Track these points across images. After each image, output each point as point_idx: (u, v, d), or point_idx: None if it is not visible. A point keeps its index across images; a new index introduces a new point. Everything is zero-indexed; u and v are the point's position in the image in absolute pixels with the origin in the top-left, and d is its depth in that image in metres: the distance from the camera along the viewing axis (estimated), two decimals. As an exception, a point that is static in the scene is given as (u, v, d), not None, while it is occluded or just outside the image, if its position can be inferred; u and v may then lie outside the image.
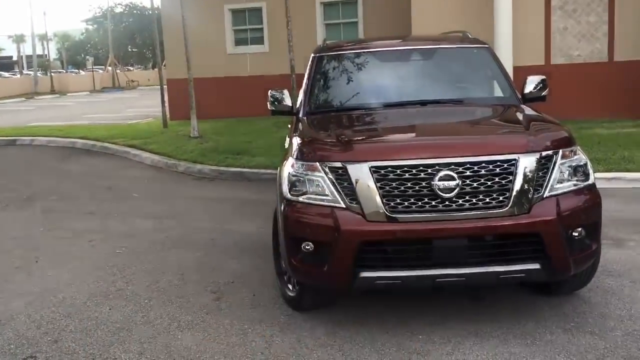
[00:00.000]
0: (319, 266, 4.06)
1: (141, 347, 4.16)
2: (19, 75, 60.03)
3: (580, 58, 13.45)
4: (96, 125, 17.49)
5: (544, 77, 5.38)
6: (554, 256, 3.92)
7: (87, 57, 67.01)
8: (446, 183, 3.89)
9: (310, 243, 4.08)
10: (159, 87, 16.77)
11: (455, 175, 3.90)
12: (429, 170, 3.92)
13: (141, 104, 27.83)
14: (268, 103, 5.49)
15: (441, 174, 3.90)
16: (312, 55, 5.85)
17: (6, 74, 62.26)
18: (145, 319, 4.63)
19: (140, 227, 7.28)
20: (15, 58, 75.80)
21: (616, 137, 10.48)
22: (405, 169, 3.94)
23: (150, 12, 18.06)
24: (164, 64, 18.62)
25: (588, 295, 4.65)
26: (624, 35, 13.01)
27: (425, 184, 3.92)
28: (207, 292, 5.12)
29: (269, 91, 5.51)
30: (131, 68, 69.33)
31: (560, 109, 11.41)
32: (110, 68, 52.17)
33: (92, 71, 52.23)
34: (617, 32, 13.09)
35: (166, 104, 16.51)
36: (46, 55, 61.98)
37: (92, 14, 77.48)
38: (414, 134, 4.67)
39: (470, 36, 6.09)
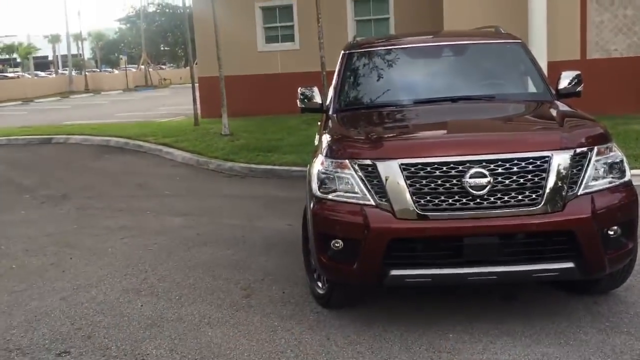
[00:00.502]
0: (349, 264, 4.04)
1: (172, 344, 4.19)
2: (54, 75, 61.09)
3: (617, 52, 13.18)
4: (129, 124, 17.70)
5: (578, 72, 5.27)
6: (589, 255, 3.85)
7: (121, 56, 67.95)
8: (477, 180, 3.84)
9: (339, 240, 4.07)
10: (190, 85, 16.91)
11: (487, 173, 3.85)
12: (460, 168, 3.88)
13: (173, 102, 28.09)
14: (298, 100, 5.48)
15: (472, 171, 3.85)
16: (342, 52, 5.82)
17: (42, 74, 63.54)
18: (176, 315, 4.67)
19: (172, 224, 7.35)
20: (50, 58, 77.15)
21: (653, 133, 10.25)
22: (436, 166, 3.90)
23: (182, 10, 18.19)
24: (195, 62, 18.75)
25: (624, 294, 4.55)
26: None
27: (456, 181, 3.87)
28: (238, 289, 5.14)
29: (299, 88, 5.50)
30: (163, 66, 70.10)
31: (597, 104, 11.20)
32: (142, 67, 52.78)
33: (125, 70, 52.88)
34: (655, 25, 12.82)
35: (197, 102, 16.63)
36: (80, 54, 62.92)
37: (126, 13, 78.68)
38: (444, 131, 4.62)
39: (502, 31, 6.00)
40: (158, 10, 56.85)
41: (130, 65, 58.72)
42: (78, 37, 59.88)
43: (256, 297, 4.95)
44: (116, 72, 60.81)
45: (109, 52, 74.15)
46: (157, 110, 23.92)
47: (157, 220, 7.62)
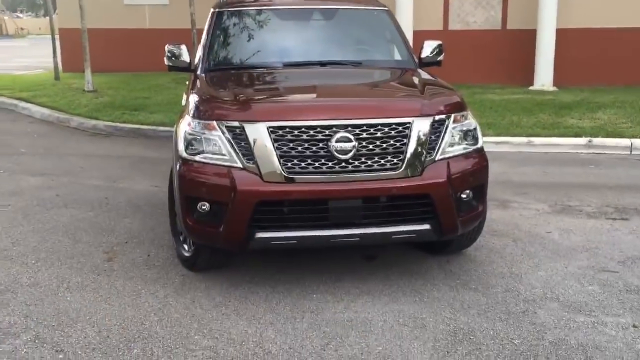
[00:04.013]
0: (215, 226, 4.03)
1: (27, 310, 4.00)
2: None
3: (475, 25, 13.87)
4: (-20, 75, 16.40)
5: (440, 42, 5.51)
6: (443, 217, 4.08)
7: (-29, 0, 62.28)
8: (343, 145, 3.94)
9: (206, 203, 4.05)
10: (50, 36, 15.86)
11: (352, 137, 3.95)
12: (327, 132, 3.95)
13: (31, 54, 26.30)
14: (165, 58, 5.32)
15: (338, 135, 3.94)
16: (212, 10, 5.70)
17: None
18: (32, 280, 4.45)
19: (28, 185, 6.94)
20: None
21: (506, 103, 10.95)
22: (303, 129, 3.95)
23: (40, -45, 16.94)
24: (56, 12, 17.60)
25: (474, 254, 4.89)
26: (516, 4, 13.51)
27: (323, 145, 3.95)
28: (99, 252, 4.98)
29: (167, 46, 5.34)
30: (21, 15, 65.14)
31: (456, 73, 11.79)
32: (-4, 14, 48.83)
33: (-24, 16, 48.71)
34: (511, 1, 13.57)
35: (58, 55, 15.66)
36: None
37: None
38: (312, 95, 4.67)
39: (371, -2, 6.12)
40: (14, -47, 52.56)
41: (-19, 12, 54.09)
42: None
43: (119, 260, 4.82)
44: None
45: (-43, -4, 67.76)
46: (13, 62, 22.28)
47: (12, 180, 7.17)
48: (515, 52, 13.48)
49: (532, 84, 12.93)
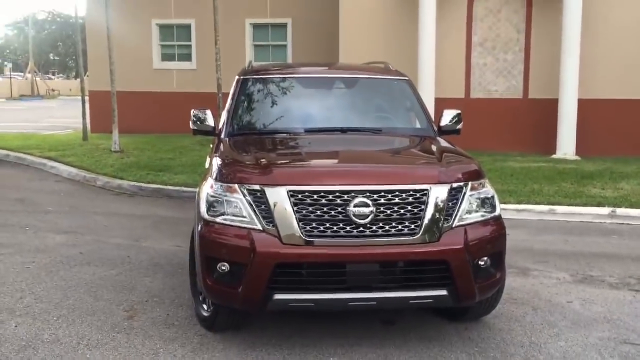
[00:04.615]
0: (234, 287, 4.08)
1: (47, 366, 4.05)
2: None
3: (497, 93, 14.08)
4: (11, 134, 16.87)
5: (459, 111, 5.62)
6: (460, 283, 4.09)
7: (5, 62, 64.53)
8: (361, 209, 4.01)
9: (225, 264, 4.11)
10: (80, 97, 16.36)
11: (370, 203, 4.03)
12: (345, 197, 4.03)
13: (61, 115, 27.00)
14: (190, 122, 5.50)
15: (356, 200, 4.02)
16: (237, 77, 5.90)
17: None
18: (53, 337, 4.51)
19: (54, 242, 7.08)
20: None
21: (527, 171, 10.99)
22: (322, 194, 4.04)
23: (74, 20, 17.65)
24: (86, 74, 18.20)
25: (493, 321, 4.86)
26: (537, 74, 13.72)
27: (341, 209, 4.03)
28: (120, 310, 5.04)
29: (192, 110, 5.52)
30: (52, 77, 67.20)
31: (478, 141, 11.96)
32: (29, 75, 50.38)
33: (10, 78, 50.26)
34: (532, 70, 13.80)
35: (87, 116, 16.12)
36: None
37: (13, 19, 74.91)
38: (332, 161, 4.79)
39: (391, 67, 6.30)
40: (48, 18, 54.72)
41: (16, 73, 55.90)
42: (-42, 40, 56.45)
43: (139, 318, 4.87)
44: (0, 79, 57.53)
45: (-7, 58, 70.25)
46: (43, 122, 22.93)
47: (37, 237, 7.32)
48: (537, 120, 13.61)
49: (554, 153, 12.98)
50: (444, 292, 4.10)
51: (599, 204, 8.62)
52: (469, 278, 4.12)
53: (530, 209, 8.52)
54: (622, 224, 8.26)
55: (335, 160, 4.78)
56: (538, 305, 5.24)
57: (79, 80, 18.02)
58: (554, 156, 12.86)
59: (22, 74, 58.04)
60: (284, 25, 17.47)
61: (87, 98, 16.40)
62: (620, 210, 8.40)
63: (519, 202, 8.66)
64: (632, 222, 8.27)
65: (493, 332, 4.69)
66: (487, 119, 13.59)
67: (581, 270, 6.20)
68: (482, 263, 4.22)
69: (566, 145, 12.89)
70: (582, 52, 12.74)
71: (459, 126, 5.60)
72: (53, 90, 49.71)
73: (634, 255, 6.80)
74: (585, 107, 12.99)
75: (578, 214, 8.43)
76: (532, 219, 8.39)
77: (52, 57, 59.16)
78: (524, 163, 11.95)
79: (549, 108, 13.24)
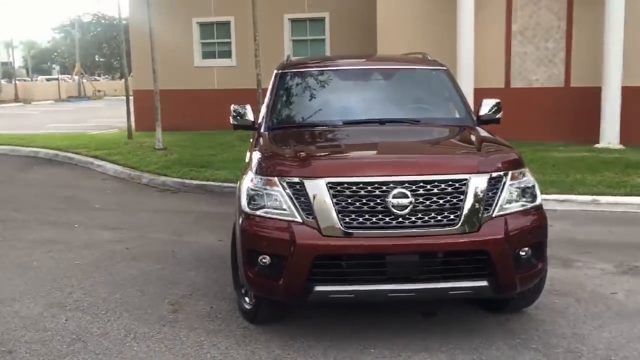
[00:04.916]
0: (275, 279, 4.14)
1: (96, 359, 4.18)
2: (-19, 82, 58.80)
3: (538, 82, 13.83)
4: (60, 135, 17.32)
5: (498, 100, 5.56)
6: (501, 274, 4.07)
7: (54, 65, 66.09)
8: (400, 200, 4.02)
9: (266, 256, 4.17)
10: (125, 97, 16.70)
11: (409, 193, 4.04)
12: (384, 188, 4.05)
13: (107, 114, 27.59)
14: (230, 117, 5.58)
15: (395, 191, 4.03)
16: (275, 71, 5.96)
17: (-32, 81, 61.00)
18: (101, 330, 4.65)
19: (101, 238, 7.27)
20: (-22, 64, 74.27)
21: (570, 161, 10.78)
22: (361, 185, 4.06)
23: (118, 22, 18.00)
24: (130, 74, 18.55)
25: (535, 312, 4.82)
26: (579, 62, 13.43)
27: (380, 200, 4.04)
28: (165, 303, 5.16)
29: (232, 106, 5.60)
30: (98, 78, 68.59)
31: (519, 131, 11.75)
32: (76, 77, 51.53)
33: (58, 80, 51.47)
34: (574, 58, 13.51)
35: (132, 115, 16.43)
36: (11, 62, 60.90)
37: (60, 22, 76.71)
38: (370, 152, 4.81)
39: (429, 58, 6.27)
40: (94, 21, 55.80)
41: (64, 76, 57.19)
42: (9, 45, 57.96)
43: (184, 312, 4.98)
44: (45, 80, 58.84)
45: (41, 61, 71.96)
46: (90, 122, 23.46)
47: (86, 233, 7.53)
48: (579, 109, 13.31)
49: (597, 142, 12.69)
50: (484, 283, 4.08)
51: (644, 194, 8.43)
52: (509, 269, 4.09)
53: (573, 200, 8.37)
54: (669, 213, 8.07)
55: (374, 152, 4.80)
56: (581, 296, 5.16)
57: (123, 80, 18.36)
58: (597, 145, 12.57)
59: (69, 76, 59.43)
60: (322, 20, 17.50)
61: (131, 98, 16.71)
62: (667, 200, 8.19)
63: (561, 193, 8.52)
64: (679, 212, 8.06)
65: (535, 323, 4.64)
66: (528, 109, 13.36)
67: (625, 261, 6.07)
68: (523, 253, 4.18)
69: (610, 134, 12.58)
70: (625, 37, 12.40)
71: (499, 115, 5.54)
72: (99, 91, 50.78)
73: (682, 245, 6.63)
74: (630, 94, 12.65)
75: (622, 204, 8.26)
76: (575, 210, 8.24)
77: (97, 59, 60.27)
78: (566, 153, 11.73)
79: (592, 96, 12.92)
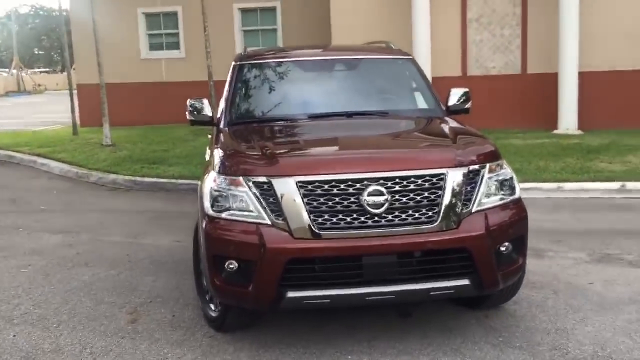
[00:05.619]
0: (244, 286, 3.85)
1: (49, 379, 3.82)
2: None
3: (495, 70, 13.82)
4: None
5: (467, 89, 5.40)
6: (483, 271, 3.88)
7: (-10, 59, 63.69)
8: (375, 198, 3.78)
9: (234, 262, 3.87)
10: (68, 92, 16.03)
11: (384, 190, 3.80)
12: (358, 185, 3.80)
13: (49, 110, 26.65)
14: (187, 113, 5.23)
15: (370, 189, 3.79)
16: (233, 63, 5.63)
17: None
18: (54, 345, 4.28)
19: (49, 243, 6.83)
20: None
21: (531, 148, 10.78)
22: (333, 183, 3.80)
23: (58, 13, 17.27)
24: (73, 67, 17.85)
25: (514, 308, 4.66)
26: (536, 48, 13.46)
27: (354, 199, 3.79)
28: (123, 313, 4.81)
29: (188, 100, 5.25)
30: (38, 71, 66.54)
31: (477, 119, 11.64)
32: (15, 71, 49.73)
33: (-5, 74, 49.67)
34: (530, 45, 13.53)
35: (76, 110, 15.80)
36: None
37: (-4, 14, 73.95)
38: (341, 148, 4.54)
39: (393, 47, 6.05)
40: (31, 12, 53.97)
41: (1, 70, 55.18)
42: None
43: (143, 321, 4.64)
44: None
45: (-23, 55, 69.38)
46: (32, 118, 22.59)
47: (32, 238, 7.06)
48: (537, 96, 13.36)
49: (555, 128, 12.75)
50: (466, 282, 3.88)
51: (607, 179, 8.43)
52: (491, 265, 3.90)
53: (537, 187, 8.32)
54: (633, 198, 8.07)
55: (345, 147, 4.52)
56: (558, 288, 5.04)
57: (65, 74, 17.67)
58: (556, 131, 12.64)
59: (7, 70, 57.37)
60: (273, 9, 17.14)
61: (75, 92, 16.07)
62: (630, 184, 8.21)
63: (525, 181, 8.45)
64: (643, 196, 8.08)
65: (515, 319, 4.48)
66: (485, 96, 13.31)
67: (597, 249, 6.00)
68: (504, 249, 4.00)
69: (568, 120, 12.66)
70: (580, 23, 12.46)
71: (468, 105, 5.38)
72: (40, 85, 49.20)
73: (649, 231, 6.61)
74: (586, 80, 12.75)
75: (587, 190, 8.24)
76: (540, 197, 8.19)
77: (36, 52, 58.42)
78: (526, 140, 11.73)
79: (549, 83, 12.98)
